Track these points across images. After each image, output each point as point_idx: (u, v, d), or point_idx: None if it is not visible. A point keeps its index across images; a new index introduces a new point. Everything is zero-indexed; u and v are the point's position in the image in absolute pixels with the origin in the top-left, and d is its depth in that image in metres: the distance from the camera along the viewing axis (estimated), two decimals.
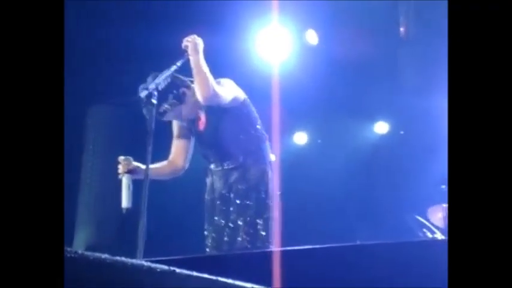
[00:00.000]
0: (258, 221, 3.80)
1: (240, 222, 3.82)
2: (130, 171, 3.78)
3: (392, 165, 7.52)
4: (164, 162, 4.16)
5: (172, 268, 1.41)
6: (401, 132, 7.80)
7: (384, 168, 7.63)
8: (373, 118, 7.97)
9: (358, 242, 4.90)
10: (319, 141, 8.28)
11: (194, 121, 4.09)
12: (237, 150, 3.98)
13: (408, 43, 6.92)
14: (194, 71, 3.79)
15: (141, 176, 3.65)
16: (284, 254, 2.52)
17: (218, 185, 3.99)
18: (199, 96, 3.82)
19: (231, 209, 3.88)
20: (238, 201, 3.87)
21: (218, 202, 3.96)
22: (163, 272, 1.39)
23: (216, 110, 3.97)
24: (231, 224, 3.85)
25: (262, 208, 3.83)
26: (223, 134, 4.00)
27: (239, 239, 3.79)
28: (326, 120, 7.95)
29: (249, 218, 3.81)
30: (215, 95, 3.82)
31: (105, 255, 1.37)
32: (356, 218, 7.41)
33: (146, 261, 1.43)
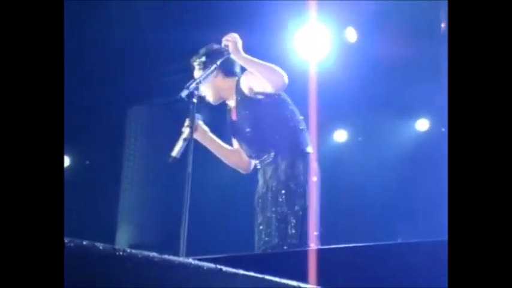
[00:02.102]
0: (289, 217, 3.69)
1: (274, 220, 3.73)
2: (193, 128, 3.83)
3: (433, 163, 7.44)
4: (235, 151, 4.11)
5: (219, 266, 1.42)
6: (443, 130, 7.72)
7: (425, 166, 7.56)
8: (413, 115, 7.91)
9: (399, 240, 4.88)
10: (359, 139, 8.25)
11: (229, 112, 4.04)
12: (270, 142, 3.86)
13: None
14: (250, 67, 3.79)
15: (200, 138, 3.88)
16: (328, 252, 2.52)
17: (260, 182, 3.93)
18: (274, 87, 3.78)
19: (267, 206, 3.80)
20: (271, 199, 3.78)
21: (257, 199, 3.92)
22: (210, 270, 1.40)
23: (247, 99, 3.87)
24: (266, 221, 3.77)
25: (293, 204, 3.71)
26: (256, 125, 3.89)
27: (274, 236, 3.70)
28: (366, 118, 7.91)
29: (280, 215, 3.70)
30: (285, 78, 3.78)
31: (153, 254, 1.39)
32: (397, 215, 7.36)
33: (193, 259, 1.45)
